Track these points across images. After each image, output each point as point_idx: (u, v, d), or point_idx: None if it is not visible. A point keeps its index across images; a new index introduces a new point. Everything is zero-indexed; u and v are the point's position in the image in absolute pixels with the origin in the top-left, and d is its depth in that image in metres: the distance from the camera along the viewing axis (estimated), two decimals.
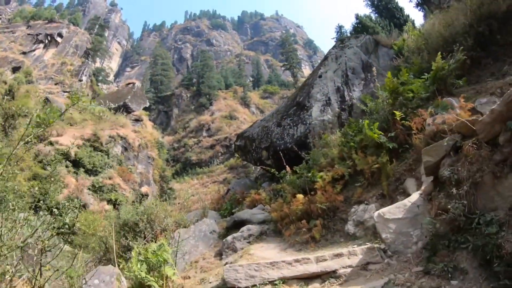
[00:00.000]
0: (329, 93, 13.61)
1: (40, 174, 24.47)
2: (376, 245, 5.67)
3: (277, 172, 12.01)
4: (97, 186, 27.02)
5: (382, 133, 8.08)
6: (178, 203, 36.01)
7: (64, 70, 40.64)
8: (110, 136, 31.47)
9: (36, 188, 24.24)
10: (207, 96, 54.81)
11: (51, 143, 27.08)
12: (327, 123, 12.98)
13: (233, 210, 13.62)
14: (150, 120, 43.37)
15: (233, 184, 16.97)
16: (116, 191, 28.44)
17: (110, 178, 28.71)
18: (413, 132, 7.55)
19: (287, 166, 11.54)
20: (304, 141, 13.06)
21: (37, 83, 38.05)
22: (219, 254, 9.76)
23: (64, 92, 37.76)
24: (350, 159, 8.95)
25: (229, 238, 9.68)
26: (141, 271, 6.31)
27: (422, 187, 6.07)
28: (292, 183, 9.99)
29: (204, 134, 46.91)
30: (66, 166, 26.54)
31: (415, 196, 5.87)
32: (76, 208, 6.03)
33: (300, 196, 8.87)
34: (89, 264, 11.97)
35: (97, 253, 12.11)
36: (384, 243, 5.63)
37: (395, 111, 8.10)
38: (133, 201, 28.84)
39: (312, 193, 8.91)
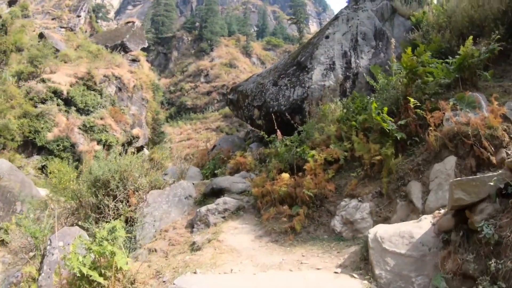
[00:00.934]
0: (334, 57, 11.92)
1: (31, 112, 23.77)
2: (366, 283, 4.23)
3: (266, 136, 10.74)
4: (88, 125, 26.20)
5: (392, 120, 6.53)
6: (170, 147, 35.04)
7: (62, 5, 37.81)
8: (104, 76, 29.87)
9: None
10: (209, 41, 52.07)
11: (43, 80, 25.84)
12: (327, 90, 11.41)
13: (216, 171, 12.31)
14: (148, 61, 41.14)
15: (220, 141, 15.51)
16: (107, 131, 27.43)
17: (101, 118, 27.64)
18: (429, 126, 6.03)
19: (278, 130, 10.22)
20: (300, 105, 11.55)
21: (33, 17, 35.53)
22: (191, 226, 8.55)
23: (61, 27, 35.29)
24: (349, 140, 7.48)
25: (203, 209, 8.40)
26: (84, 264, 4.96)
27: (436, 214, 4.58)
28: (279, 156, 8.57)
29: (202, 79, 44.85)
30: (58, 105, 25.51)
31: (425, 225, 4.37)
32: None
33: (285, 175, 7.47)
34: (61, 218, 10.82)
35: (69, 206, 10.89)
36: (376, 282, 4.18)
37: (409, 97, 6.52)
38: (123, 144, 27.72)
39: (300, 174, 7.50)
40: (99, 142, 26.39)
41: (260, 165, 11.45)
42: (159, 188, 10.08)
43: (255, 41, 64.95)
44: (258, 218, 7.68)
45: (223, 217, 8.17)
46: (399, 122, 6.59)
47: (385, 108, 6.55)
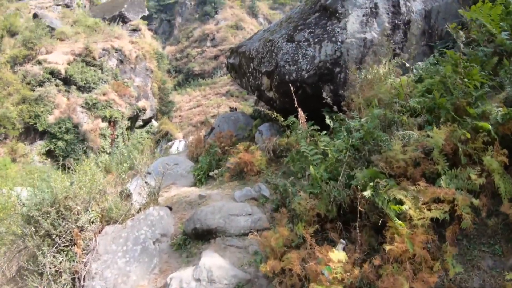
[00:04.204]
0: None
1: (29, 96, 20.85)
2: None
3: (282, 119, 6.41)
4: (90, 103, 22.57)
5: None
6: (180, 116, 30.46)
7: None
8: (103, 49, 25.41)
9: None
10: (213, 4, 45.41)
11: (39, 62, 22.32)
12: (370, 45, 6.69)
13: (211, 173, 7.75)
14: (151, 29, 35.85)
15: (219, 120, 10.59)
16: (111, 107, 23.51)
17: (104, 94, 23.67)
18: None
19: (300, 110, 6.04)
20: (331, 70, 6.91)
21: None
22: None
23: (57, 5, 30.07)
24: (477, 167, 2.78)
25: (174, 283, 4.03)
26: None
27: None
28: (315, 184, 3.79)
29: (208, 44, 39.08)
30: (56, 85, 22.06)
31: None
32: None
33: (337, 256, 2.84)
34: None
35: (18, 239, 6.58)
36: None
37: None
38: (129, 118, 23.49)
39: (375, 256, 2.88)
40: (103, 119, 22.87)
41: (275, 165, 6.95)
42: (116, 222, 5.68)
43: (261, 0, 57.75)
44: None
45: None
46: None
47: None
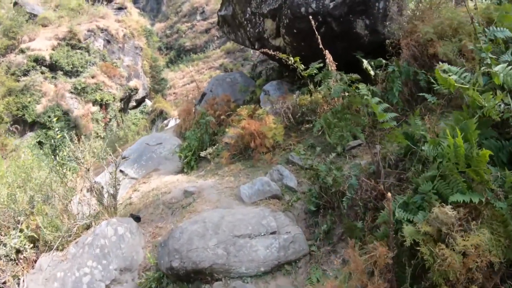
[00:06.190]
0: None
1: (15, 87, 18.94)
2: None
3: (302, 67, 4.33)
4: (79, 88, 20.29)
5: None
6: (174, 93, 27.89)
7: None
8: (88, 30, 22.73)
9: None
10: None
11: (22, 51, 20.11)
12: None
13: (202, 153, 5.34)
14: (138, 8, 32.72)
15: (213, 83, 7.91)
16: (101, 90, 21.18)
17: (93, 77, 21.31)
18: None
19: (327, 53, 3.91)
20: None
21: None
22: None
23: None
24: None
25: None
26: None
27: None
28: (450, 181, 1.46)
29: (198, 17, 35.67)
30: (42, 73, 19.76)
31: None
32: None
33: None
34: None
35: None
36: None
37: None
38: (121, 99, 21.08)
39: None
40: (94, 102, 20.73)
41: (295, 135, 4.58)
42: (52, 248, 3.36)
43: None
44: None
45: None
46: None
47: None
